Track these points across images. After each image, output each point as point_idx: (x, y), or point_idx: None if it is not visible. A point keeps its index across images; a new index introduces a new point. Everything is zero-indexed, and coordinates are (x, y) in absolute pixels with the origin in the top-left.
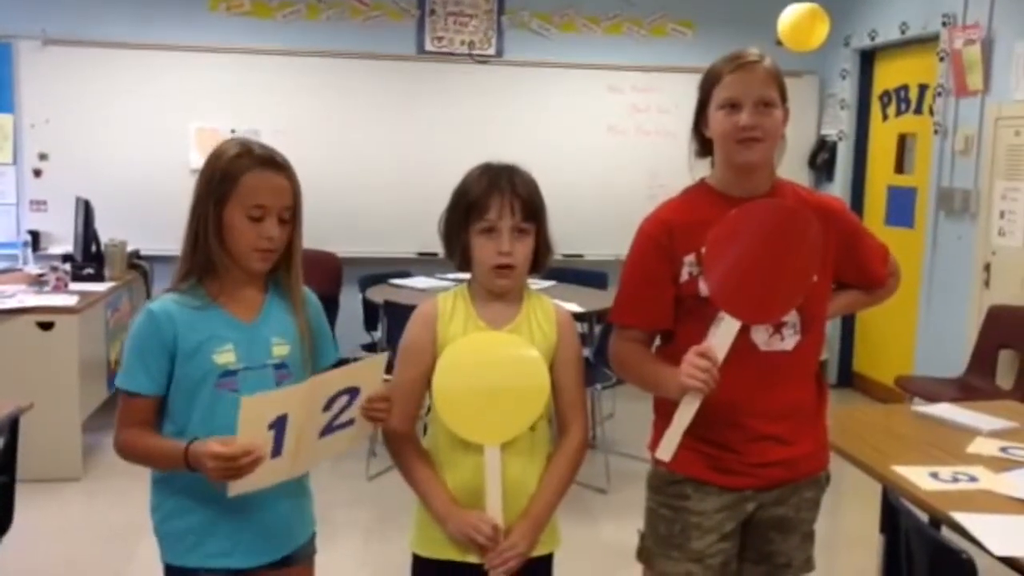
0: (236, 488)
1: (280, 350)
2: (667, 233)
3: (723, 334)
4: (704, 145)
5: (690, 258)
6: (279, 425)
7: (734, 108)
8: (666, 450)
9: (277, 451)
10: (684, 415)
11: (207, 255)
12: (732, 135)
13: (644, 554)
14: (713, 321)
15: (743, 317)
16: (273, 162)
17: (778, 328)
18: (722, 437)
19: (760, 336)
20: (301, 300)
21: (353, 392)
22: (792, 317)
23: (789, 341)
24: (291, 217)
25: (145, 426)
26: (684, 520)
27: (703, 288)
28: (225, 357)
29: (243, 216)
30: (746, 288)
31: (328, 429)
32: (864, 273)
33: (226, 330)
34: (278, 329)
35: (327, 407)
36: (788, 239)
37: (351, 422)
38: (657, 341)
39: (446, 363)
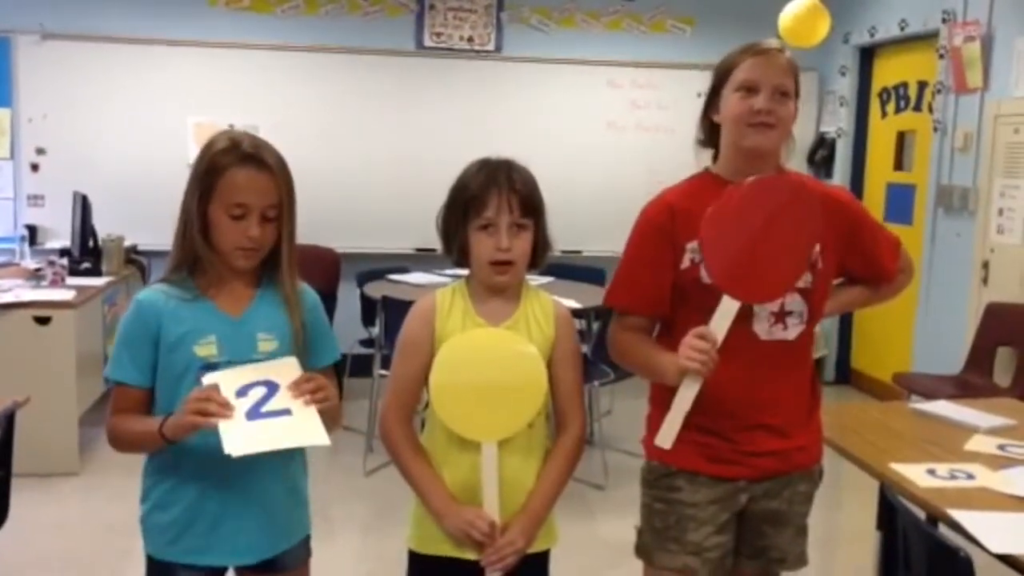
0: (232, 446)
1: (267, 345)
2: (670, 218)
3: (722, 315)
4: (709, 134)
5: (692, 244)
6: (245, 392)
7: (750, 91)
8: (666, 437)
9: (256, 414)
10: (684, 400)
11: (192, 249)
12: (745, 118)
13: (642, 549)
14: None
15: (741, 296)
16: (258, 159)
17: (781, 317)
18: (717, 425)
19: (761, 326)
20: (295, 296)
21: (270, 384)
22: (799, 306)
23: (793, 330)
24: (277, 215)
25: (134, 413)
26: (679, 512)
27: (705, 275)
28: (206, 349)
29: (224, 214)
30: (745, 268)
31: (257, 414)
32: (871, 265)
33: (211, 323)
34: (265, 324)
35: (241, 394)
36: (792, 218)
37: (287, 411)
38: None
39: (444, 360)
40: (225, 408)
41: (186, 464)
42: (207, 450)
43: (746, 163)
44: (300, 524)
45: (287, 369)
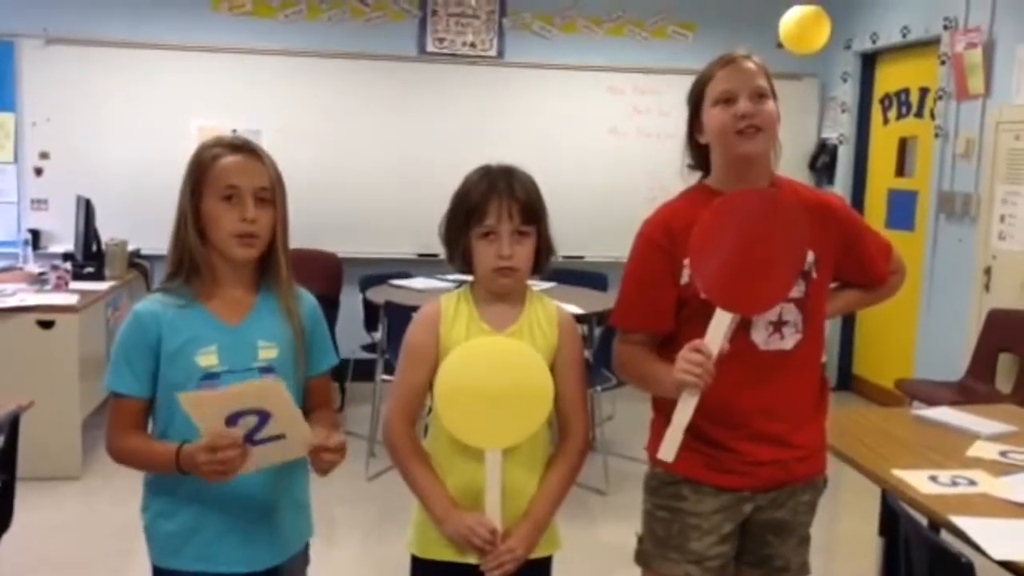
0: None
1: (267, 353)
2: (667, 235)
3: (715, 328)
4: (698, 156)
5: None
6: (235, 420)
7: (729, 101)
8: (668, 451)
9: (251, 440)
10: (683, 413)
11: (189, 252)
12: (731, 126)
13: (642, 557)
14: None
15: (734, 308)
16: (244, 147)
17: (778, 327)
18: (719, 436)
19: (760, 335)
20: (292, 300)
21: (261, 414)
22: (793, 316)
23: (789, 340)
24: (271, 199)
25: (136, 428)
26: (682, 521)
27: None
28: (207, 359)
29: (217, 200)
30: (735, 279)
31: (251, 442)
32: (865, 270)
33: (209, 332)
34: (265, 332)
35: (231, 422)
36: (774, 226)
37: (281, 436)
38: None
39: (449, 367)
40: (234, 456)
41: (187, 482)
42: None
43: (738, 172)
44: (302, 531)
45: (274, 394)
